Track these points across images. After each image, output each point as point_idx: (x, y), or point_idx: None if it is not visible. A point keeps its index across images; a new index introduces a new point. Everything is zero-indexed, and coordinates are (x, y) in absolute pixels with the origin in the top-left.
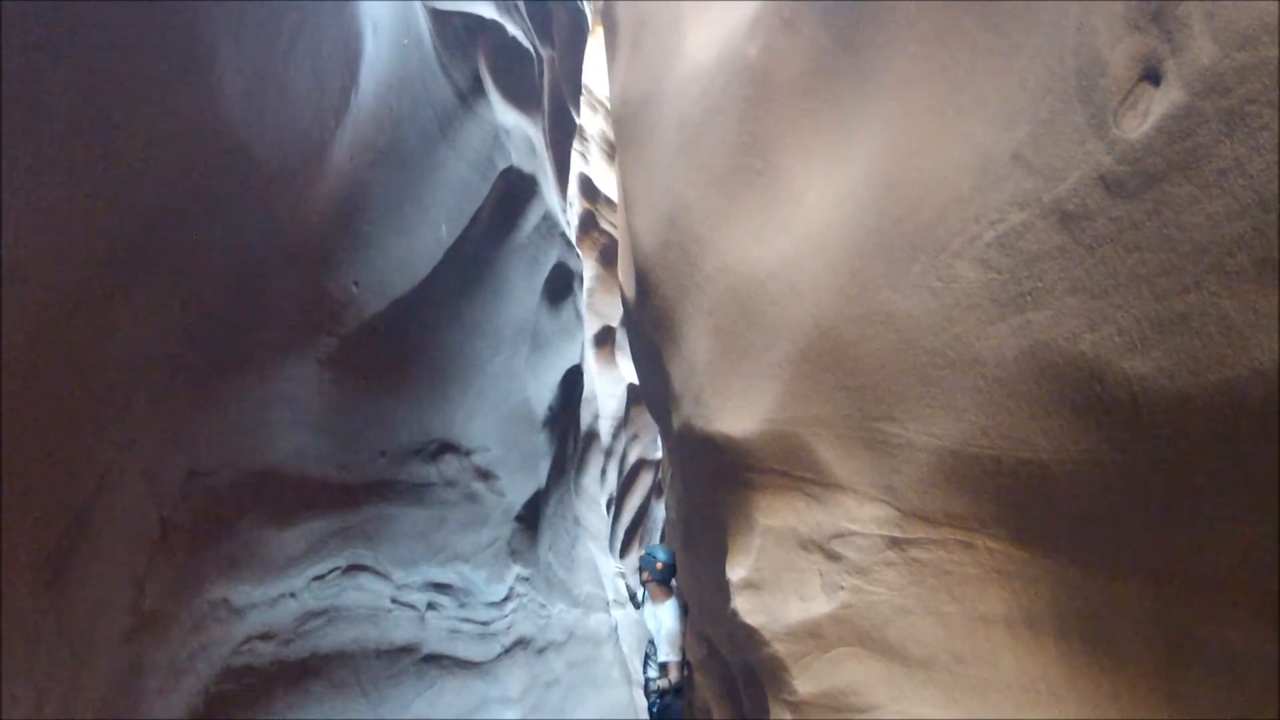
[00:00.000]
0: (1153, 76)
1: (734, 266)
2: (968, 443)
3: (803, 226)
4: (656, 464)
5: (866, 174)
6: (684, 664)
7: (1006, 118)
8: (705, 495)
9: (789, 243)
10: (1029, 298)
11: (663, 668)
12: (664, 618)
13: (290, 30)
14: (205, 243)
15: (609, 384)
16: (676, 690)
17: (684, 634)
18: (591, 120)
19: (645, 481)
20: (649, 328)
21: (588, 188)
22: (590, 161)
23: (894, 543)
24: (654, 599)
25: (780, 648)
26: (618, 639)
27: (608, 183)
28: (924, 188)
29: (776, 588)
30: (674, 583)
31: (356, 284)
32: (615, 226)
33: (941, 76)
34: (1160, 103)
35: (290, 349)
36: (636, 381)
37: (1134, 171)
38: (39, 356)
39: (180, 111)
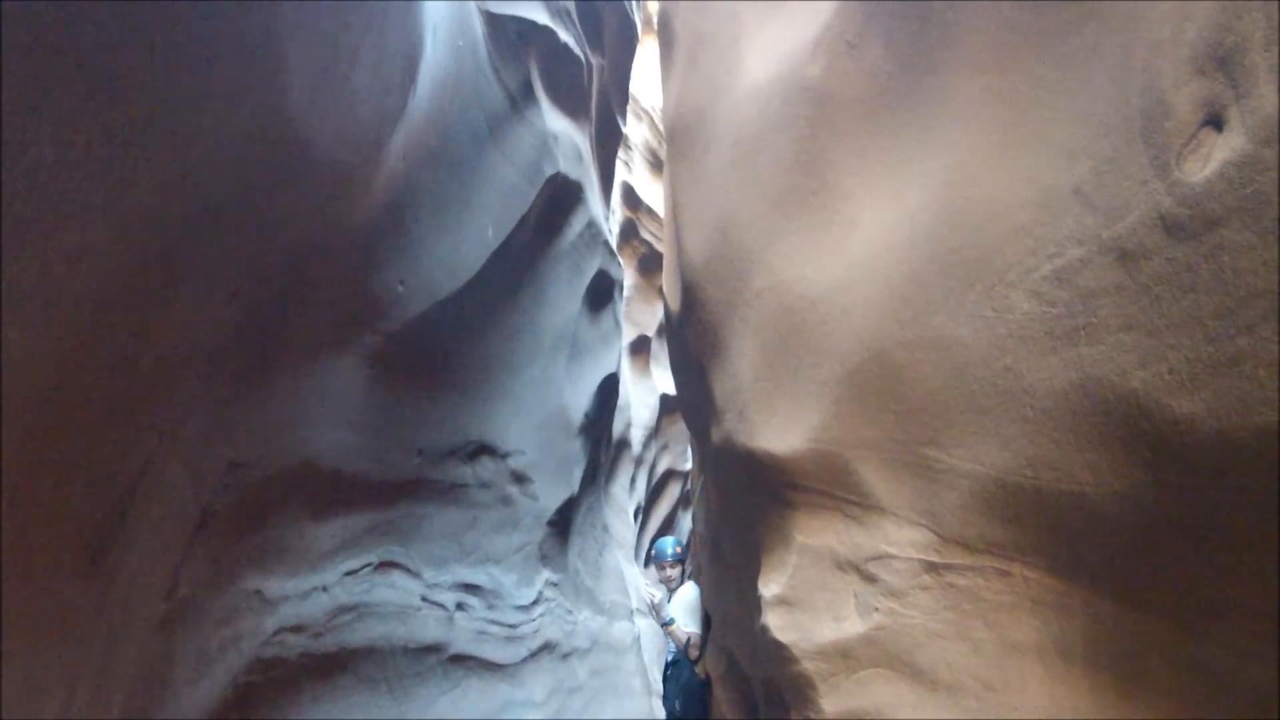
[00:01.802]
0: (1216, 122)
1: (785, 285)
2: (1012, 472)
3: (857, 249)
4: (685, 475)
5: (925, 200)
6: (702, 640)
7: (1068, 153)
8: (741, 510)
9: (842, 264)
10: (1082, 332)
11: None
12: (684, 593)
13: (357, 30)
14: (258, 236)
15: (642, 393)
16: (692, 661)
17: (701, 612)
18: (636, 129)
19: (673, 492)
20: (693, 340)
21: (630, 197)
22: (634, 170)
23: (931, 567)
24: (670, 585)
25: (809, 666)
26: (640, 648)
27: (650, 192)
28: (983, 217)
29: (810, 606)
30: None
31: (402, 283)
32: (656, 236)
33: (1005, 108)
34: (1222, 148)
35: (334, 345)
36: (669, 392)
37: (1193, 215)
38: (93, 343)
39: (248, 108)
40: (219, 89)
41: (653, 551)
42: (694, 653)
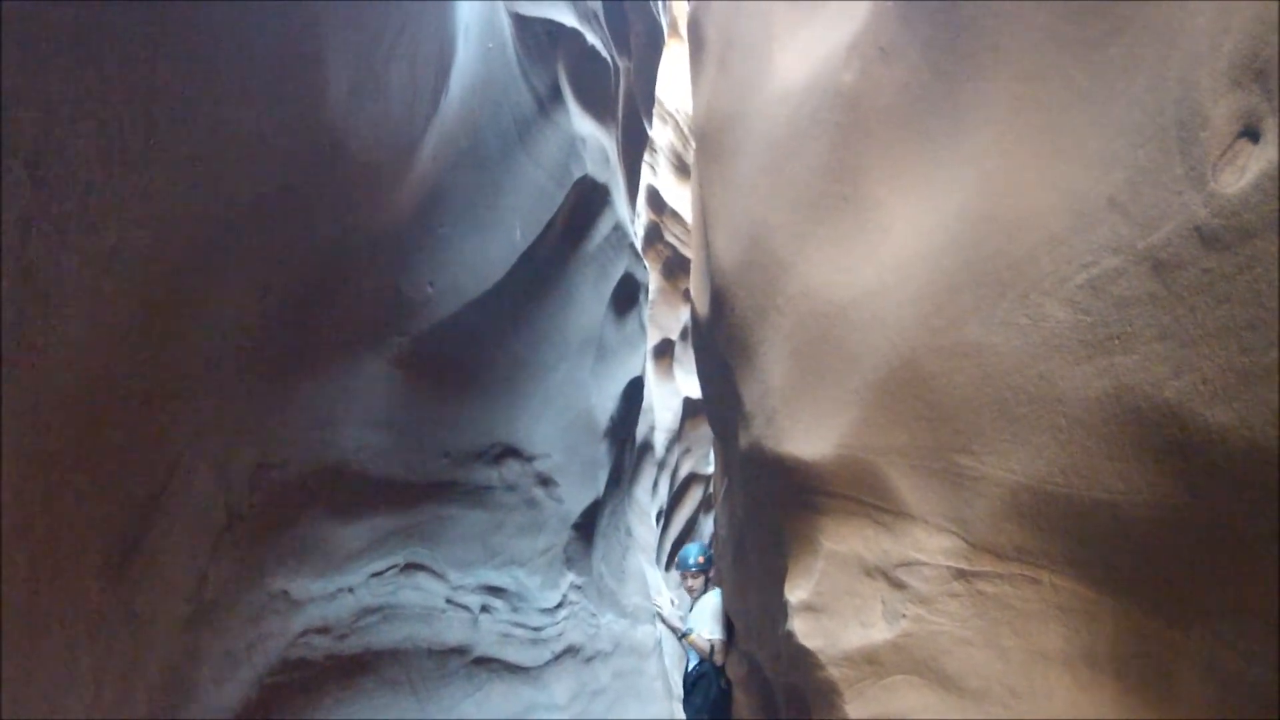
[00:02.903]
0: (1252, 134)
1: (817, 290)
2: (1043, 480)
3: (890, 255)
4: (707, 479)
5: (959, 208)
6: (725, 643)
7: (1104, 162)
8: (768, 515)
9: (875, 271)
10: (1116, 341)
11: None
12: (708, 600)
13: (394, 31)
14: (291, 235)
15: (666, 397)
16: (718, 669)
17: (723, 617)
18: (662, 132)
19: (695, 496)
20: (721, 344)
21: (655, 200)
22: (659, 174)
23: (960, 574)
24: (692, 594)
25: (835, 672)
26: (661, 652)
27: (675, 196)
28: (1017, 225)
29: (837, 612)
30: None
31: (431, 285)
32: (680, 240)
33: (1041, 116)
34: (1258, 160)
35: (363, 346)
36: (692, 395)
37: (1228, 226)
38: (127, 343)
39: (288, 107)
40: (259, 88)
41: (676, 558)
42: (720, 659)
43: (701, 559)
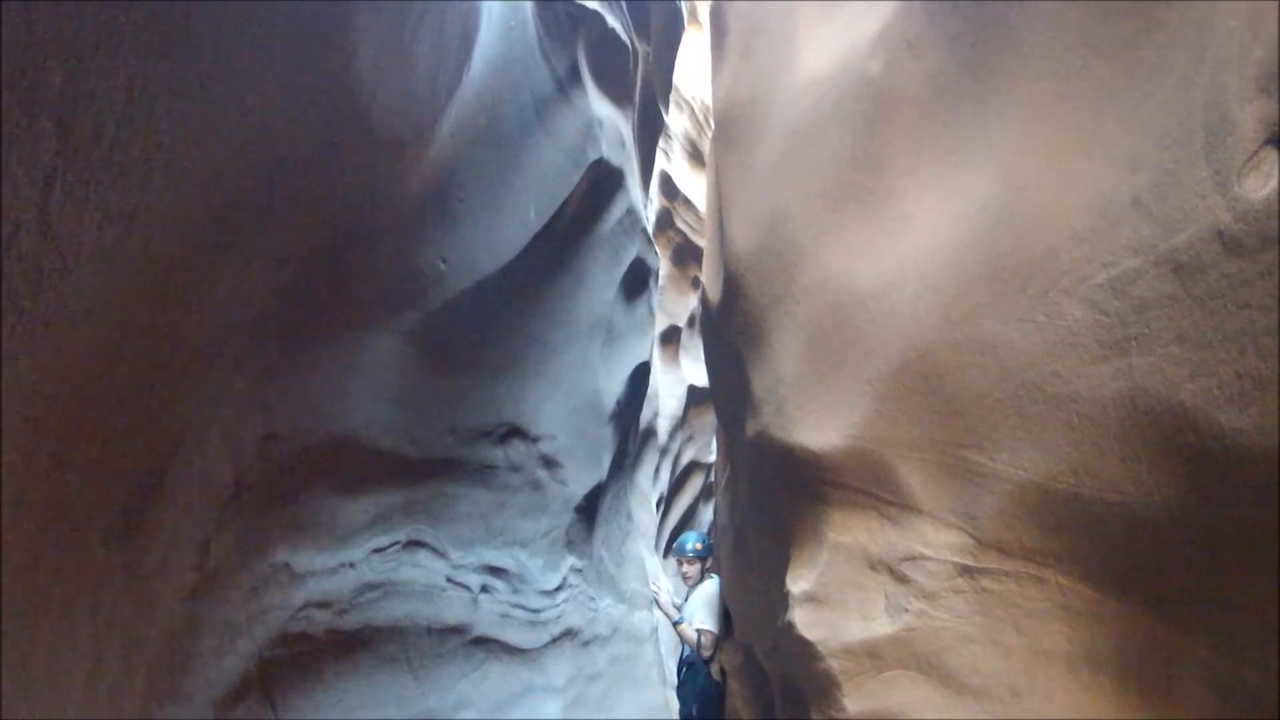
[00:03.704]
0: (1278, 141)
1: (834, 280)
2: (1054, 479)
3: (909, 248)
4: (708, 467)
5: (981, 202)
6: (716, 636)
7: (1129, 163)
8: (772, 504)
9: (894, 262)
10: (1134, 342)
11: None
12: (704, 589)
13: (420, 6)
14: (310, 205)
15: (671, 383)
16: (705, 661)
17: (720, 609)
18: (677, 119)
19: (696, 484)
20: (733, 331)
21: (667, 186)
22: (672, 160)
23: (965, 570)
24: (688, 581)
25: (835, 664)
26: (657, 639)
27: (688, 183)
28: (1039, 222)
29: (839, 604)
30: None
31: (444, 261)
32: (691, 226)
33: (1067, 114)
34: None
35: (375, 320)
36: (697, 383)
37: (1252, 231)
38: (142, 307)
39: (313, 77)
40: (287, 56)
41: (674, 545)
42: (705, 652)
43: (699, 545)
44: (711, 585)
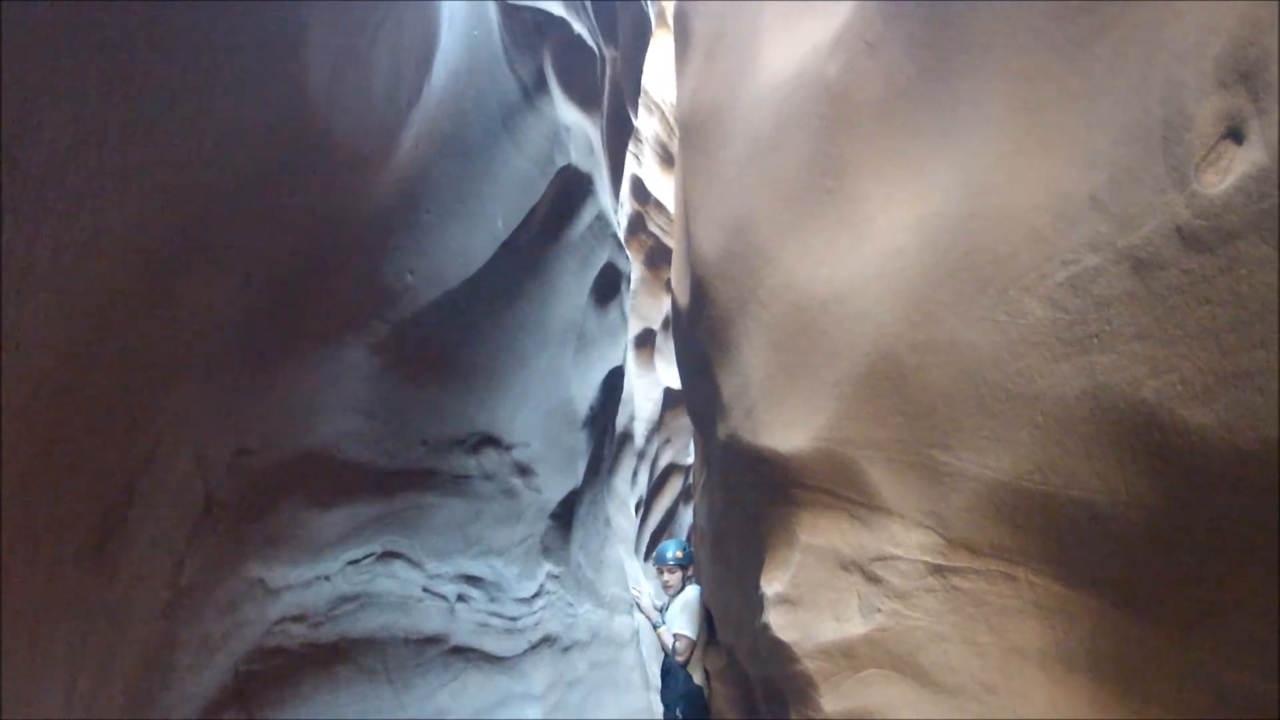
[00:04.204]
0: (1236, 135)
1: (798, 284)
2: (1021, 477)
3: (872, 250)
4: (687, 469)
5: (942, 203)
6: (692, 642)
7: (1087, 161)
8: (745, 507)
9: (857, 265)
10: (1095, 340)
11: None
12: (683, 595)
13: (377, 17)
14: (272, 222)
15: (646, 387)
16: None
17: (701, 615)
18: (647, 122)
19: (675, 486)
20: (702, 336)
21: (639, 190)
22: (643, 164)
23: (936, 570)
24: (669, 590)
25: (810, 665)
26: (639, 643)
27: (659, 186)
28: (999, 222)
29: (813, 605)
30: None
31: (412, 272)
32: (663, 230)
33: (1026, 115)
34: (1241, 162)
35: (343, 333)
36: (673, 386)
37: (1210, 227)
38: (104, 328)
39: (268, 91)
40: (240, 74)
41: (654, 553)
42: (679, 658)
43: (679, 554)
44: (692, 592)
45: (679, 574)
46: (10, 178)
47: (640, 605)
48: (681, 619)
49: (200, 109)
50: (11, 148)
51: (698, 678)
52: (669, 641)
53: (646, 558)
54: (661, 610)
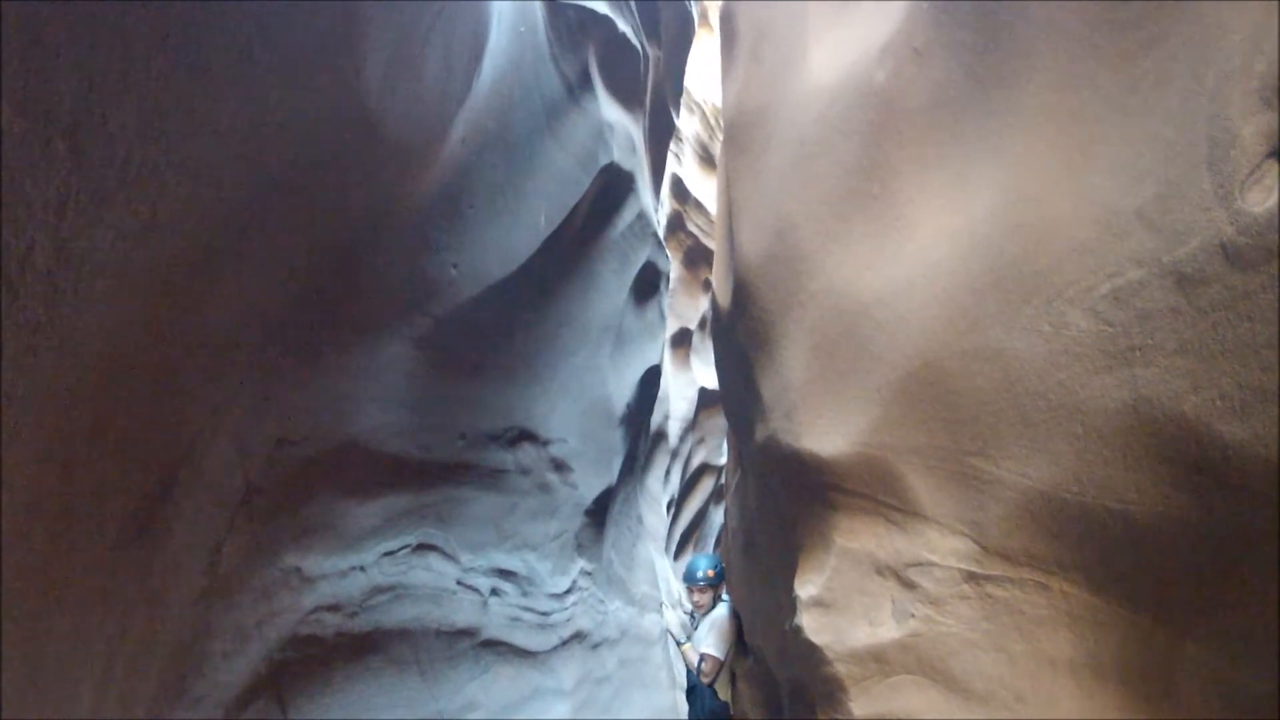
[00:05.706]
0: (1279, 154)
1: (841, 288)
2: (1059, 487)
3: (916, 256)
4: (719, 470)
5: (987, 212)
6: (719, 662)
7: (1134, 175)
8: (780, 509)
9: (900, 271)
10: (1137, 353)
11: (702, 658)
12: (715, 614)
13: (431, 14)
14: (322, 213)
15: (681, 386)
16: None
17: (731, 634)
18: (688, 122)
19: (706, 486)
20: (742, 337)
21: (679, 189)
22: (684, 163)
23: (971, 577)
24: (699, 610)
25: (842, 668)
26: (667, 641)
27: (699, 186)
28: (1044, 233)
29: (846, 609)
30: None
31: (455, 266)
32: (702, 230)
33: (1073, 126)
34: None
35: (386, 326)
36: (708, 385)
37: (1254, 244)
38: (154, 315)
39: (324, 86)
40: (297, 66)
41: (684, 570)
42: (705, 678)
43: (711, 572)
44: (722, 609)
45: (710, 593)
46: (75, 165)
47: (669, 628)
48: (710, 638)
49: (256, 101)
50: (75, 135)
51: (723, 695)
52: (693, 660)
53: (676, 557)
54: (691, 621)
